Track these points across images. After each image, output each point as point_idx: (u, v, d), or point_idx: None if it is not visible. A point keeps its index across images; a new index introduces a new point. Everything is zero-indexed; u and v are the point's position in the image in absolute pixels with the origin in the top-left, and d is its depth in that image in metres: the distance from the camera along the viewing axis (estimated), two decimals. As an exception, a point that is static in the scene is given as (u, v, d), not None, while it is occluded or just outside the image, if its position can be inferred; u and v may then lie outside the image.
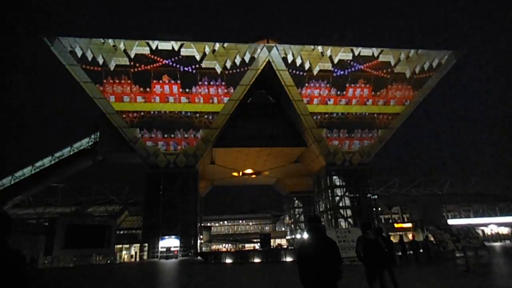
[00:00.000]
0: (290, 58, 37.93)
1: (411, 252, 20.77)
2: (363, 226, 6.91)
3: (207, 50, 36.69)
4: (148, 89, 36.70)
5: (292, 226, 59.51)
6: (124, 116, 36.71)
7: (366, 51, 39.50)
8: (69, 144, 42.42)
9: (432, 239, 19.65)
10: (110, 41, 35.48)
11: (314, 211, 52.99)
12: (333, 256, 3.71)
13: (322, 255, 3.65)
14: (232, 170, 50.44)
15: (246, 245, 63.09)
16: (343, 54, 38.99)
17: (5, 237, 2.35)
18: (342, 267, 3.73)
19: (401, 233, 38.25)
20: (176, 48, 36.24)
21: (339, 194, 41.95)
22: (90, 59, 35.22)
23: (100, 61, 35.35)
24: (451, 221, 47.91)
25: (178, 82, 36.84)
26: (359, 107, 40.70)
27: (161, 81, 36.57)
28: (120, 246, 44.28)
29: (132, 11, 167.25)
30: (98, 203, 53.49)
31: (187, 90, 37.24)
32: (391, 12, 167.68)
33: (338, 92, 39.75)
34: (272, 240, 46.83)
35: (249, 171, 51.54)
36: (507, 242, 41.36)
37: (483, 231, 45.59)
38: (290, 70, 38.02)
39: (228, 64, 37.20)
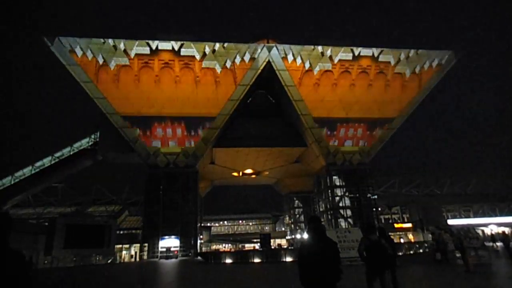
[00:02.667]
0: (290, 58, 37.91)
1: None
2: (368, 227, 6.91)
3: (207, 50, 36.68)
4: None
5: (292, 226, 59.50)
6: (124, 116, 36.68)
7: (366, 51, 39.48)
8: (69, 144, 42.42)
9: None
10: (110, 41, 35.45)
11: (314, 211, 52.98)
12: (333, 256, 3.71)
13: (322, 255, 3.65)
14: (232, 170, 50.43)
15: (246, 245, 63.07)
16: (343, 54, 38.97)
17: (6, 237, 2.35)
18: (341, 267, 3.74)
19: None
20: (176, 48, 36.23)
21: (339, 194, 41.93)
22: (90, 59, 35.22)
23: (100, 61, 35.35)
24: (451, 221, 48.01)
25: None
26: (359, 107, 40.65)
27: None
28: (120, 246, 44.27)
29: (132, 11, 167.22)
30: (98, 203, 53.51)
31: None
32: (391, 12, 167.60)
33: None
34: (272, 240, 46.81)
35: (249, 171, 51.53)
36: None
37: (483, 231, 45.62)
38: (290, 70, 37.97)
39: (228, 64, 37.19)
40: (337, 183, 42.19)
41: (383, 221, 53.46)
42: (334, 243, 3.87)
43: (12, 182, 40.86)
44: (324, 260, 3.64)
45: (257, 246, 52.22)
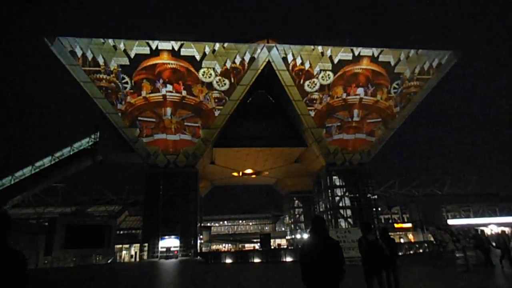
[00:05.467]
0: (290, 58, 37.89)
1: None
2: (363, 227, 6.96)
3: (207, 50, 36.66)
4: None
5: (292, 226, 59.48)
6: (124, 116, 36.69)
7: (366, 51, 39.45)
8: (69, 144, 42.42)
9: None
10: (110, 41, 35.41)
11: (314, 211, 52.94)
12: (335, 256, 3.72)
13: (324, 255, 3.66)
14: (232, 170, 50.42)
15: (246, 245, 63.08)
16: (343, 54, 38.93)
17: (6, 237, 2.35)
18: (345, 267, 3.75)
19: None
20: (176, 48, 36.22)
21: (339, 194, 41.90)
22: (90, 59, 35.20)
23: (100, 61, 35.33)
24: (451, 221, 48.00)
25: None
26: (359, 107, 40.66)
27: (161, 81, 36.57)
28: (120, 246, 44.27)
29: (132, 11, 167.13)
30: (98, 203, 53.41)
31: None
32: (392, 12, 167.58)
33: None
34: (272, 240, 46.81)
35: (249, 171, 51.52)
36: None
37: (483, 231, 45.57)
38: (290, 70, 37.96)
39: (228, 64, 37.18)
40: (337, 183, 42.16)
41: (383, 221, 53.45)
42: (336, 243, 3.89)
43: (12, 182, 40.85)
44: (326, 260, 3.65)
45: (257, 246, 52.22)
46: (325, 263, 3.63)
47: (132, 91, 36.29)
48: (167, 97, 36.84)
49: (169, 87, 36.78)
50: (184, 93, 37.05)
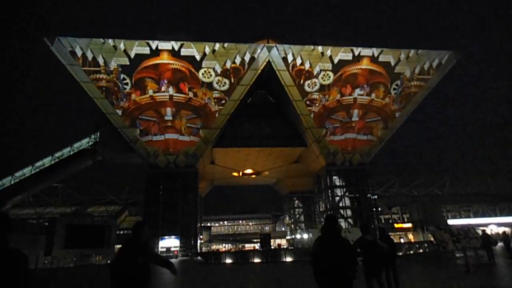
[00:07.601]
0: (290, 58, 37.89)
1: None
2: (362, 228, 7.02)
3: (207, 50, 36.67)
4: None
5: (292, 226, 59.47)
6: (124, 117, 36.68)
7: (366, 51, 39.44)
8: (69, 144, 42.45)
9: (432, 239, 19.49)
10: (110, 41, 35.42)
11: (314, 211, 52.95)
12: (346, 255, 3.72)
13: (335, 254, 3.66)
14: (232, 170, 50.43)
15: (246, 245, 63.10)
16: (343, 54, 38.92)
17: (6, 237, 2.35)
18: (357, 266, 3.75)
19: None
20: (176, 48, 36.23)
21: (339, 194, 41.91)
22: (90, 59, 35.21)
23: (100, 61, 35.33)
24: (451, 221, 47.96)
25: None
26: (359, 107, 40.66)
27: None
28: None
29: (132, 11, 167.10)
30: (98, 203, 53.50)
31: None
32: (391, 12, 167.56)
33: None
34: (272, 240, 46.82)
35: (249, 171, 51.53)
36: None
37: (483, 231, 45.53)
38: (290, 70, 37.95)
39: (228, 64, 37.19)
40: (337, 183, 42.16)
41: (383, 221, 53.45)
42: (347, 242, 3.89)
43: (12, 182, 40.85)
44: (337, 259, 3.65)
45: (257, 246, 52.21)
46: (336, 262, 3.63)
47: (134, 89, 36.27)
48: (173, 97, 36.86)
49: (174, 87, 36.81)
50: (190, 94, 37.16)
